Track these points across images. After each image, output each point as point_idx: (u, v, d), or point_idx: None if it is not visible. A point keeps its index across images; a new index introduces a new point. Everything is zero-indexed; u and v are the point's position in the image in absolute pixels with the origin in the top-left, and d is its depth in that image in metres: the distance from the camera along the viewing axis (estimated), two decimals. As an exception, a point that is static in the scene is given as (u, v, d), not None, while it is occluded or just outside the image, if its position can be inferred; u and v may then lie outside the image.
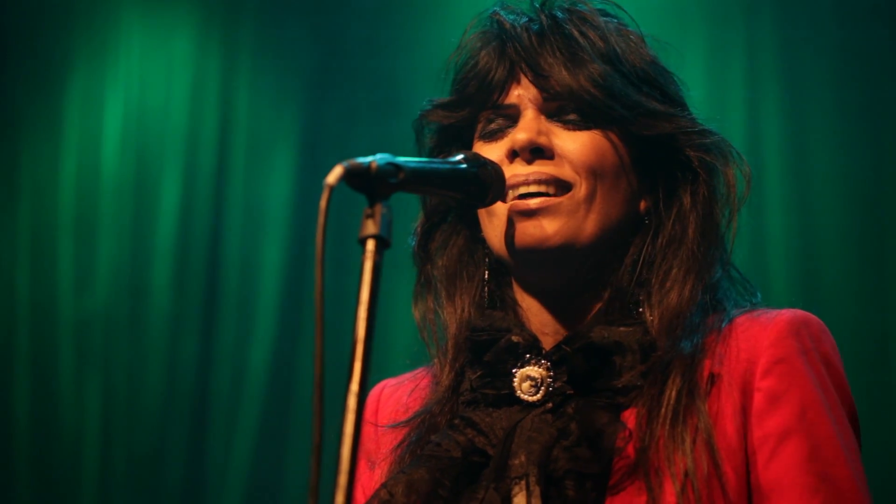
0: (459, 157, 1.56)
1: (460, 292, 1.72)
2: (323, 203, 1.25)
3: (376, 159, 1.34)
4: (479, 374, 1.63)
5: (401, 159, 1.38)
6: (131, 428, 4.46)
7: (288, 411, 4.40)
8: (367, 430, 1.76)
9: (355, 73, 4.52)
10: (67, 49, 4.72)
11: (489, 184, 1.55)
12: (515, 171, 1.60)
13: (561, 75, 1.60)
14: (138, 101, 4.64)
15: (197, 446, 4.44)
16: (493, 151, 1.62)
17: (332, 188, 1.27)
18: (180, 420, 4.45)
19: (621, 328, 1.58)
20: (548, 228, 1.58)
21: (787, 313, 1.58)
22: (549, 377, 1.57)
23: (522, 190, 1.59)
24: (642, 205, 1.67)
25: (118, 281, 4.54)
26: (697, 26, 4.10)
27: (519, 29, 1.65)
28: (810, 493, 1.48)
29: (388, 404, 1.77)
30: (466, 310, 1.70)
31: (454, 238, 1.74)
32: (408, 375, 1.80)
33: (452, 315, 1.71)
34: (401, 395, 1.78)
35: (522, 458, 1.53)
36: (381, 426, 1.74)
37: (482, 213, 1.64)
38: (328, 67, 4.55)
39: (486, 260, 1.71)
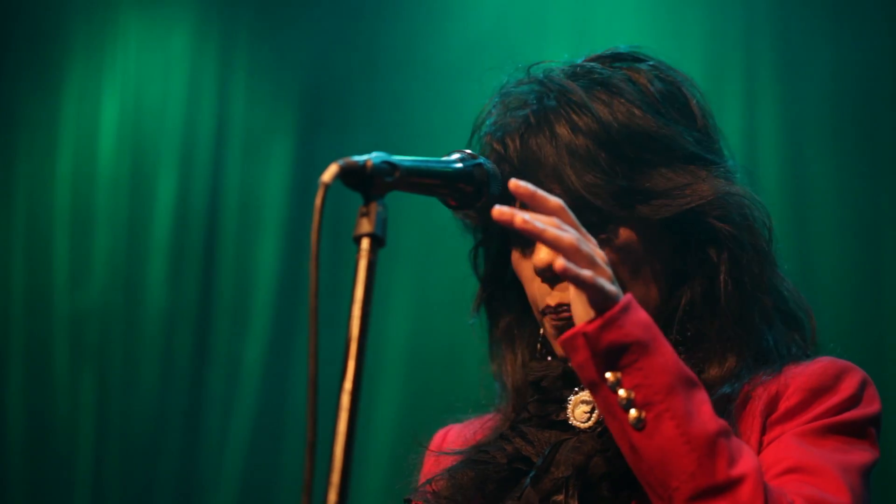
0: (455, 155, 1.56)
1: (520, 349, 1.76)
2: (318, 201, 1.25)
3: (372, 157, 1.34)
4: (535, 398, 1.67)
5: (396, 158, 1.37)
6: (126, 423, 4.46)
7: (282, 408, 4.40)
8: (429, 459, 1.81)
9: (352, 70, 4.51)
10: (64, 44, 4.71)
11: (484, 182, 1.55)
12: (546, 302, 1.62)
13: (562, 187, 1.58)
14: (135, 97, 4.64)
15: (191, 442, 4.44)
16: (526, 268, 1.65)
17: (328, 186, 1.27)
18: (175, 415, 4.45)
19: None
20: None
21: (831, 357, 1.60)
22: None
23: (554, 315, 1.61)
24: (677, 264, 1.66)
25: (113, 276, 4.54)
26: (695, 18, 4.10)
27: (511, 141, 1.62)
28: (772, 464, 1.49)
29: (452, 439, 1.83)
30: (525, 357, 1.75)
31: (509, 302, 1.77)
32: (474, 419, 1.84)
33: (512, 366, 1.75)
34: (466, 432, 1.82)
35: (563, 466, 1.56)
36: (443, 452, 1.78)
37: (531, 308, 1.68)
38: (325, 64, 4.55)
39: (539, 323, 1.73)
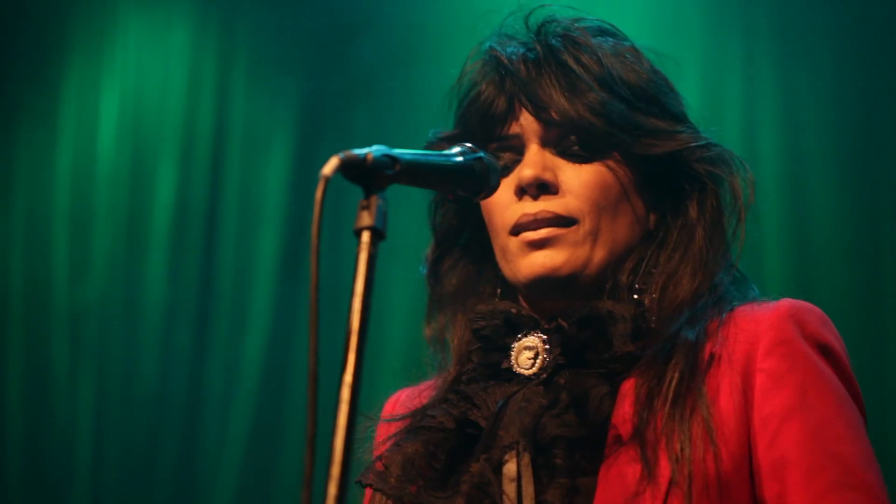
0: (456, 149, 1.56)
1: (472, 303, 1.76)
2: (318, 194, 1.25)
3: (372, 151, 1.33)
4: (477, 347, 1.68)
5: (397, 151, 1.37)
6: (125, 419, 4.46)
7: (282, 402, 4.40)
8: (381, 428, 1.80)
9: (352, 64, 4.51)
10: (64, 38, 4.71)
11: (484, 175, 1.56)
12: (525, 210, 1.64)
13: (560, 106, 1.64)
14: (135, 92, 4.64)
15: (190, 437, 4.44)
16: (504, 190, 1.66)
17: (328, 179, 1.27)
18: (174, 411, 4.45)
19: (617, 304, 1.62)
20: (557, 258, 1.63)
21: (789, 300, 1.61)
22: (545, 349, 1.61)
23: (532, 228, 1.63)
24: (651, 220, 1.70)
25: (113, 271, 4.54)
26: (694, 12, 4.10)
27: (516, 61, 1.68)
28: (816, 472, 1.49)
29: (403, 406, 1.81)
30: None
31: (464, 262, 1.80)
32: (426, 383, 1.84)
33: (460, 328, 1.76)
34: (415, 395, 1.81)
35: (512, 429, 1.55)
36: (389, 420, 1.78)
37: (496, 247, 1.70)
38: (325, 59, 4.54)
39: (496, 281, 1.75)
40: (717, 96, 3.98)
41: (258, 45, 4.64)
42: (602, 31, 1.73)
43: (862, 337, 3.73)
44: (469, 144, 1.57)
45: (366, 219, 1.28)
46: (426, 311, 1.80)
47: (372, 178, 1.31)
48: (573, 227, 1.63)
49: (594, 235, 1.63)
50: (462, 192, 1.55)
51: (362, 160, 1.32)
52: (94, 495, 4.45)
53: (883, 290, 3.81)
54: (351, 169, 1.31)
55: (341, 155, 1.30)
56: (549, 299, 1.67)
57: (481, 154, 1.56)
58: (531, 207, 1.63)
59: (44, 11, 4.74)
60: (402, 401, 1.82)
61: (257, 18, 4.66)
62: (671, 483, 1.46)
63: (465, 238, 1.78)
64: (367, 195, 1.30)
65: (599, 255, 1.64)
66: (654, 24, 4.07)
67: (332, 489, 1.18)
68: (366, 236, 1.27)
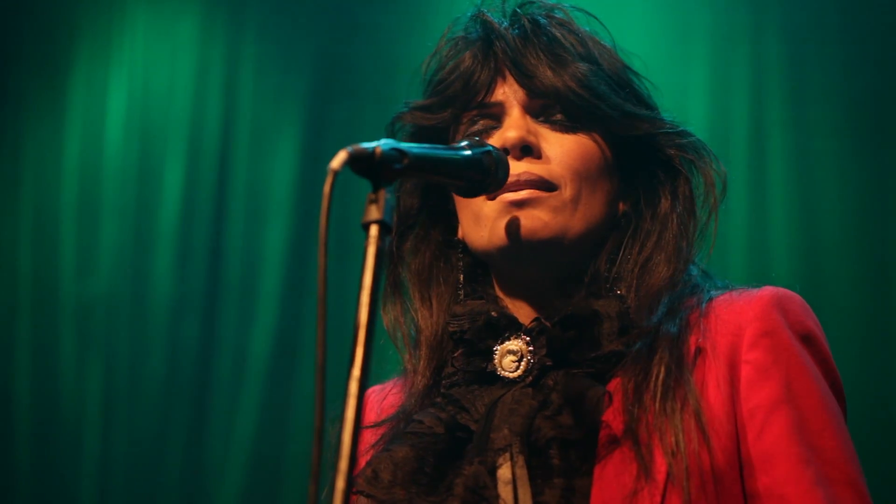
0: (463, 143, 1.56)
1: (436, 295, 1.75)
2: (326, 188, 1.25)
3: (381, 145, 1.33)
4: (460, 352, 1.66)
5: (405, 145, 1.37)
6: (132, 412, 4.46)
7: (289, 396, 4.40)
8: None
9: (360, 58, 4.51)
10: (72, 32, 4.71)
11: (492, 169, 1.56)
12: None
13: (546, 75, 1.64)
14: (142, 85, 4.64)
15: (198, 431, 4.44)
16: None
17: (336, 173, 1.27)
18: (181, 404, 4.45)
19: (599, 300, 1.61)
20: (538, 220, 1.61)
21: (770, 289, 1.61)
22: (530, 351, 1.60)
23: (512, 189, 1.61)
24: (621, 207, 1.70)
25: (120, 265, 4.55)
26: (702, 12, 4.09)
27: (503, 30, 1.68)
28: (803, 464, 1.49)
29: (374, 409, 1.79)
30: (442, 314, 1.73)
31: (426, 242, 1.78)
32: (392, 381, 1.82)
33: (427, 318, 1.74)
34: (385, 398, 1.79)
35: (505, 431, 1.54)
36: (363, 427, 1.75)
37: (467, 215, 1.67)
38: (333, 53, 4.54)
39: (461, 264, 1.73)
40: (725, 97, 3.97)
41: (266, 40, 4.64)
42: (576, 21, 1.74)
43: (870, 335, 3.72)
44: (477, 138, 1.56)
45: (374, 212, 1.27)
46: (383, 294, 1.76)
47: (380, 172, 1.32)
48: (554, 193, 1.61)
49: (574, 204, 1.62)
50: (470, 186, 1.55)
51: (371, 154, 1.32)
52: (101, 487, 4.46)
53: (891, 292, 3.80)
54: (359, 162, 1.31)
55: (350, 148, 1.30)
56: (523, 266, 1.65)
57: (489, 147, 1.55)
58: (514, 168, 1.61)
59: (51, 5, 4.74)
60: (370, 403, 1.80)
61: (265, 12, 4.65)
62: (668, 478, 1.45)
63: (425, 216, 1.77)
64: (376, 189, 1.30)
65: (578, 225, 1.62)
66: (663, 25, 4.07)
67: (340, 483, 1.18)
68: (374, 230, 1.26)
